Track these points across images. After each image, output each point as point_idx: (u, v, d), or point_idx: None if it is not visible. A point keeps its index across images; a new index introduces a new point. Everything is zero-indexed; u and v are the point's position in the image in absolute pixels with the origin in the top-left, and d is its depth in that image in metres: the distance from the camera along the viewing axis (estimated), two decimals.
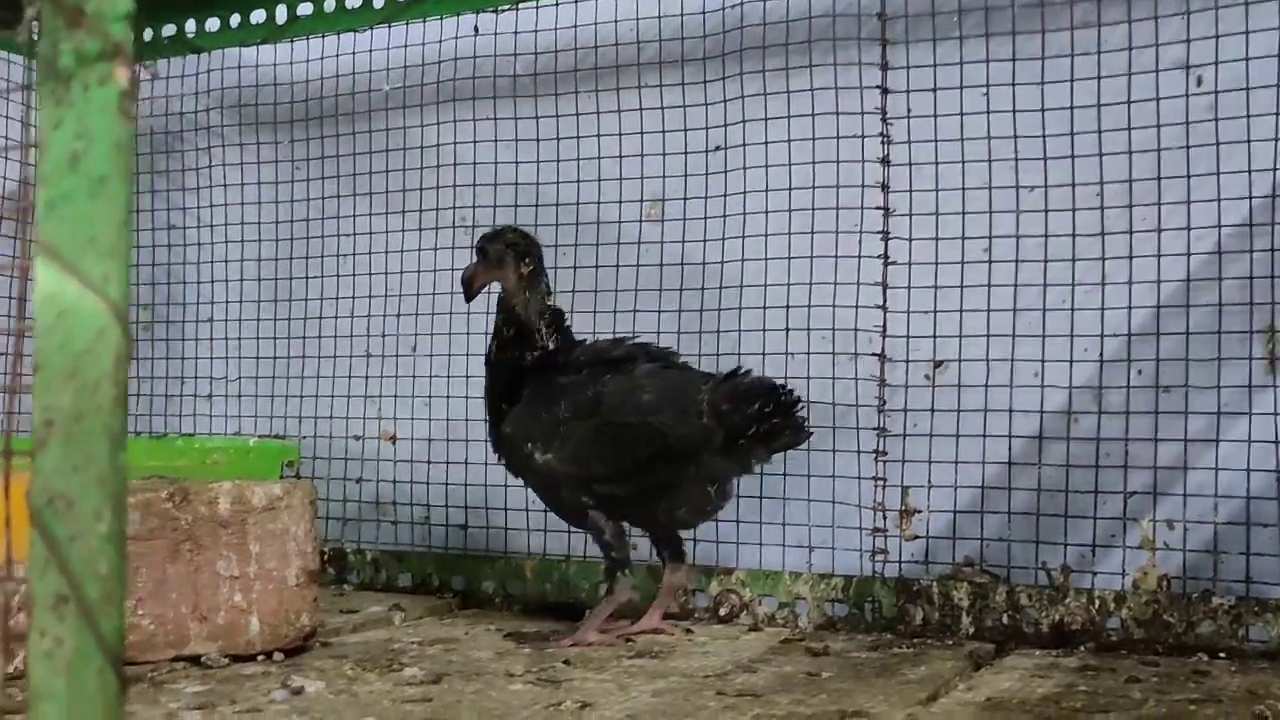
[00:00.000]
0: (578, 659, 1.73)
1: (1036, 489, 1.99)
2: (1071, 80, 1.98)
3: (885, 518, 2.06)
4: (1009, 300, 2.02)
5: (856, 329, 2.09)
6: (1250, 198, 1.87)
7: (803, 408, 1.89)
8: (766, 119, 2.18)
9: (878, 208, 2.08)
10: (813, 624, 2.04)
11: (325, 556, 2.41)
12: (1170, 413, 1.92)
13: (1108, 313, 1.96)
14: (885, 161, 2.08)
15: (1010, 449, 2.01)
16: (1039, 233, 2.00)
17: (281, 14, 2.52)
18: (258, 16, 2.54)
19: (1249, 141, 1.86)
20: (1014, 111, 2.01)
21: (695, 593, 2.13)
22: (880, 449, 2.06)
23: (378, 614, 2.11)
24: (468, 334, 2.32)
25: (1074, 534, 1.97)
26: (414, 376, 2.49)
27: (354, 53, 2.54)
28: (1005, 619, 1.94)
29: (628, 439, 1.83)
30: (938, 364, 2.07)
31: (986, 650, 1.84)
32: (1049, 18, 2.00)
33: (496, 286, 1.99)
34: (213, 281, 2.74)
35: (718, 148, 2.24)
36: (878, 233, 2.08)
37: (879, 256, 2.07)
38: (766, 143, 2.17)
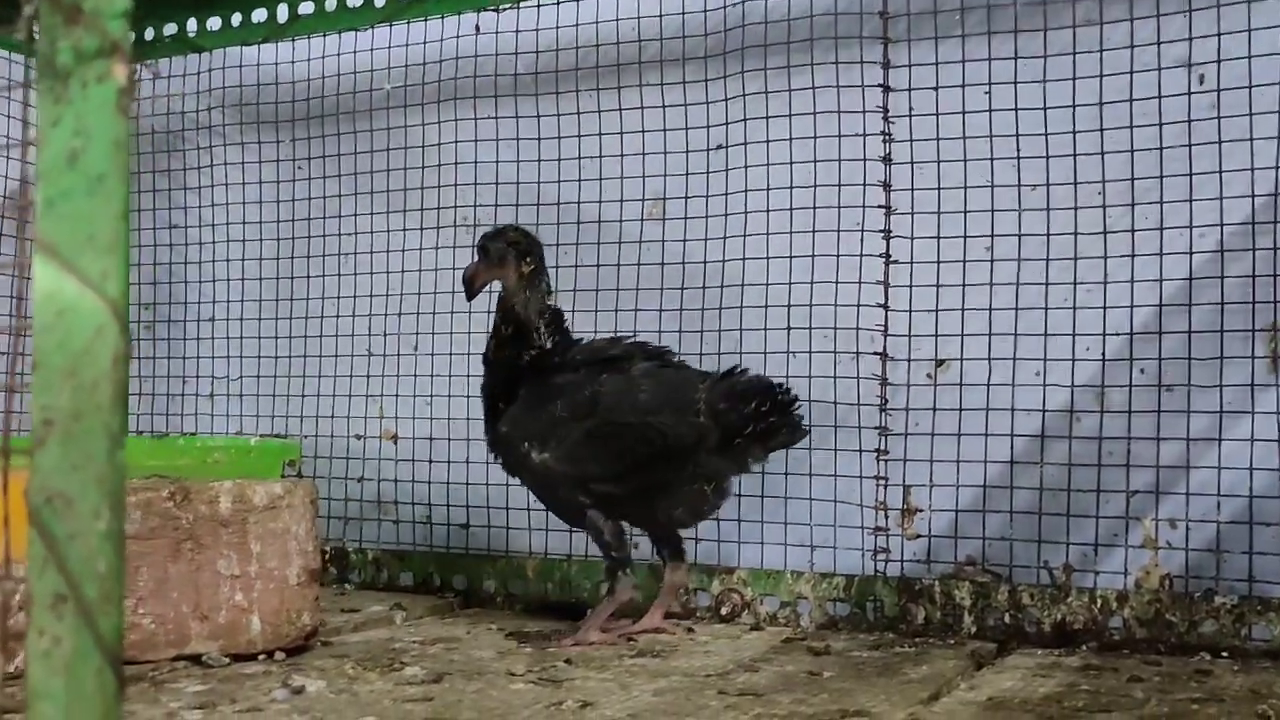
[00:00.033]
0: (579, 658, 1.73)
1: (1039, 488, 1.99)
2: (1074, 78, 1.97)
3: (887, 517, 2.06)
4: (1011, 299, 2.02)
5: (858, 328, 2.09)
6: (1253, 196, 1.87)
7: (800, 406, 1.89)
8: (768, 117, 2.18)
9: (879, 206, 2.07)
10: (814, 623, 2.04)
11: (326, 556, 2.41)
12: (1172, 411, 1.92)
13: (1110, 311, 1.96)
14: (887, 160, 2.07)
15: (1012, 448, 2.01)
16: (1041, 231, 2.00)
17: (283, 13, 2.52)
18: (259, 15, 2.54)
19: (1251, 140, 1.86)
20: (1016, 110, 2.00)
21: (697, 592, 2.12)
22: (882, 448, 2.06)
23: (379, 613, 2.10)
24: (469, 333, 2.32)
25: (1076, 533, 1.97)
26: (415, 376, 2.49)
27: (355, 52, 2.54)
28: (1007, 618, 1.93)
29: (624, 439, 1.83)
30: (940, 363, 2.07)
31: (988, 649, 1.84)
32: (1051, 16, 1.99)
33: (497, 285, 1.99)
34: (214, 281, 2.74)
35: (719, 146, 2.24)
36: (879, 231, 2.07)
37: (881, 255, 2.07)
38: (768, 141, 2.17)
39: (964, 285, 2.04)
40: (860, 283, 2.08)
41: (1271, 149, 1.85)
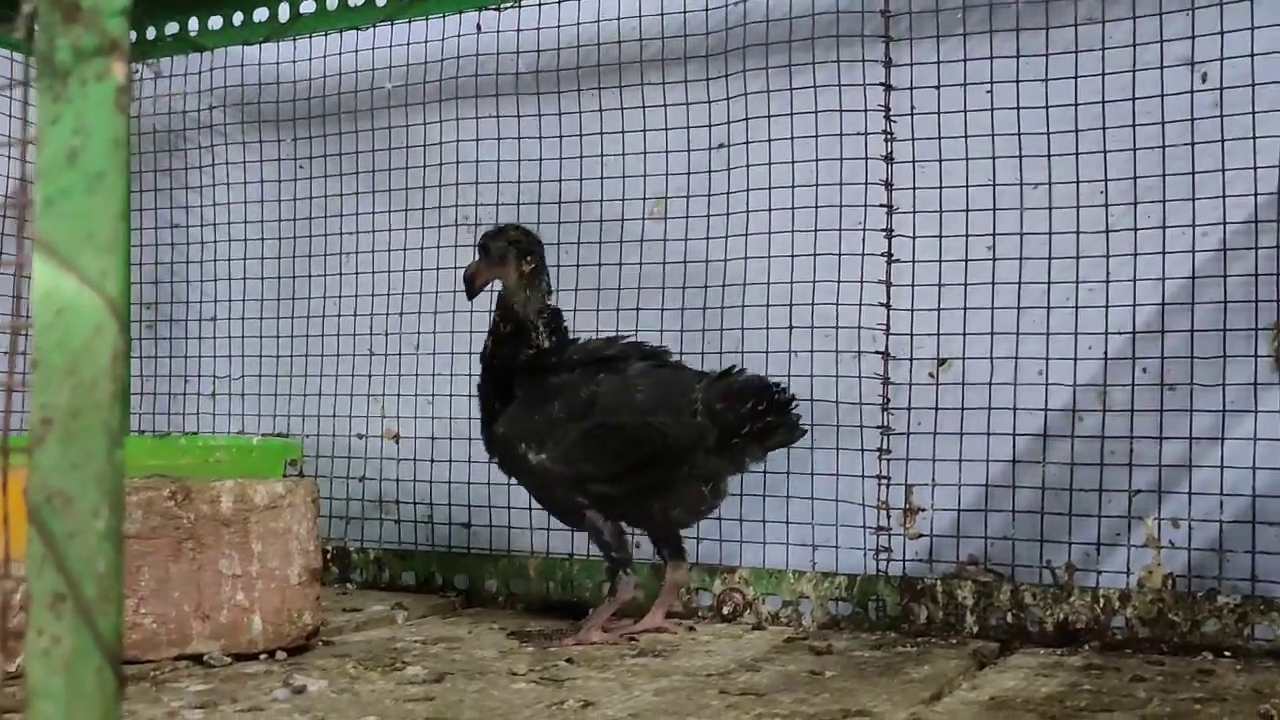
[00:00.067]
0: (581, 658, 1.73)
1: (1041, 487, 1.99)
2: (1076, 77, 1.97)
3: (889, 516, 2.06)
4: (1013, 298, 2.01)
5: (860, 327, 2.08)
6: (1255, 194, 1.87)
7: (797, 405, 1.89)
8: (769, 116, 2.17)
9: (881, 205, 2.07)
10: (816, 623, 2.04)
11: (328, 555, 2.41)
12: (1175, 410, 1.91)
13: (1112, 310, 1.96)
14: (889, 159, 2.07)
15: (1014, 447, 2.01)
16: (1043, 230, 2.00)
17: (284, 12, 2.51)
18: (260, 15, 2.54)
19: (1254, 138, 1.86)
20: (1018, 108, 2.00)
21: (698, 591, 2.12)
22: (884, 447, 2.05)
23: (380, 613, 2.10)
24: (471, 332, 2.31)
25: (1078, 532, 1.97)
26: (417, 375, 2.49)
27: (356, 51, 2.54)
28: (1009, 618, 1.93)
29: (621, 439, 1.83)
30: (941, 362, 2.07)
31: (991, 649, 1.83)
32: (1053, 14, 1.99)
33: (497, 285, 1.99)
34: (216, 280, 2.74)
35: (721, 145, 2.23)
36: (881, 230, 2.07)
37: (882, 254, 2.06)
38: (769, 140, 2.17)
39: (966, 284, 2.04)
40: (862, 282, 2.08)
41: (1274, 147, 1.85)
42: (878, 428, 2.06)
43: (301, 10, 2.50)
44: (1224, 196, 1.88)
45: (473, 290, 1.98)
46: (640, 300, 2.26)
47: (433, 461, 2.44)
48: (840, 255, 2.10)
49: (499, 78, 2.41)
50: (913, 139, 2.06)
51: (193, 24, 2.63)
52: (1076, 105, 1.97)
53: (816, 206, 2.13)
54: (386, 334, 2.53)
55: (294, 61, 2.61)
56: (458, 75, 2.45)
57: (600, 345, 1.96)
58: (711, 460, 1.85)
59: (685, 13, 2.26)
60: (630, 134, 2.29)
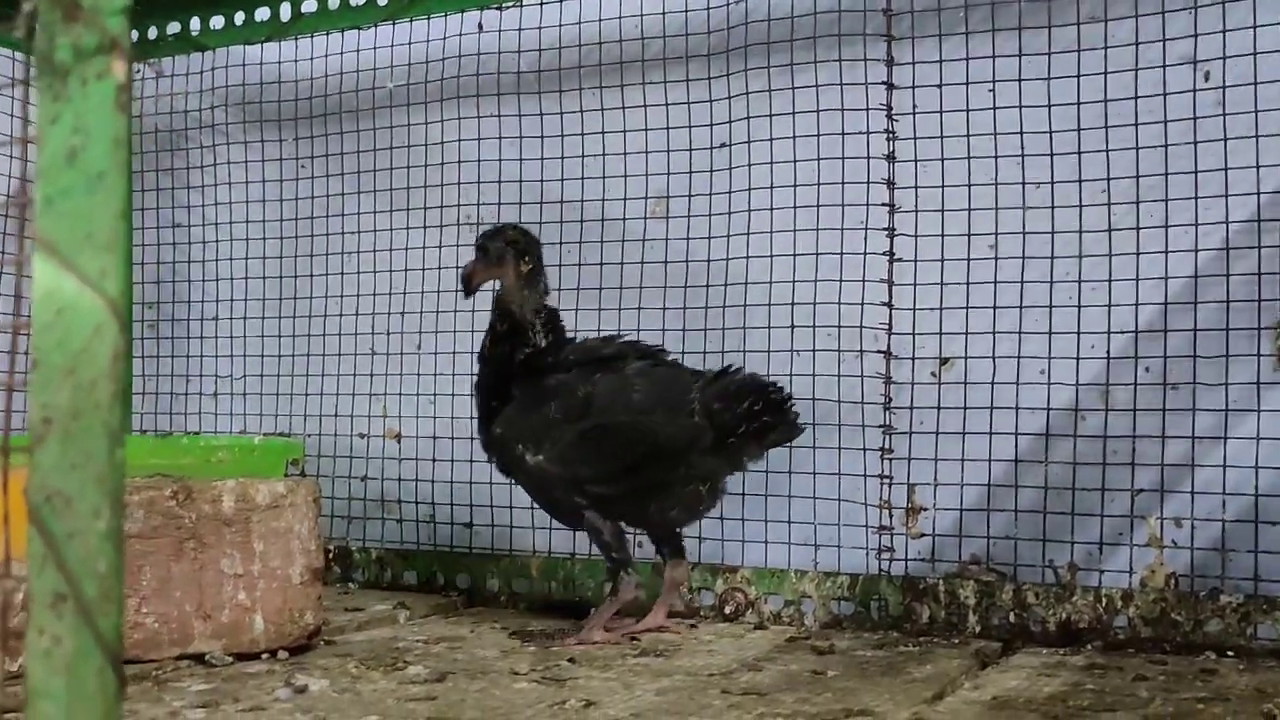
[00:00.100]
0: (582, 657, 1.72)
1: (1043, 487, 1.99)
2: (1078, 76, 1.97)
3: (891, 516, 2.06)
4: (1015, 297, 2.01)
5: (862, 326, 2.08)
6: (1258, 193, 1.86)
7: (794, 404, 1.88)
8: (771, 115, 2.17)
9: (883, 204, 2.07)
10: (818, 622, 2.03)
11: (330, 555, 2.41)
12: (1178, 410, 1.91)
13: (1114, 309, 1.96)
14: (890, 158, 2.07)
15: (1017, 446, 2.01)
16: (1045, 229, 2.00)
17: (286, 11, 2.51)
18: (262, 14, 2.54)
19: (1257, 137, 1.85)
20: (1020, 107, 2.00)
21: (700, 591, 2.12)
22: (886, 447, 2.05)
23: (382, 612, 2.10)
24: (472, 331, 2.31)
25: (1081, 532, 1.97)
26: (419, 374, 2.49)
27: (358, 50, 2.54)
28: (1012, 617, 1.93)
29: (618, 440, 1.83)
30: (944, 361, 2.07)
31: (993, 649, 1.83)
32: (1055, 13, 1.99)
33: (494, 283, 1.98)
34: (217, 280, 2.74)
35: (722, 144, 2.23)
36: (883, 229, 2.07)
37: (884, 253, 2.06)
38: (771, 139, 2.17)
39: (968, 283, 2.03)
40: (864, 281, 2.08)
41: (1277, 146, 1.85)
42: (880, 427, 2.06)
43: (303, 10, 2.50)
44: (1227, 195, 1.88)
45: (469, 289, 1.98)
46: (642, 300, 2.26)
47: (434, 461, 2.44)
48: (842, 254, 2.10)
49: (500, 77, 2.41)
50: (915, 138, 2.06)
51: (194, 23, 2.63)
52: (1079, 104, 1.97)
53: (818, 205, 2.13)
54: (388, 333, 2.53)
55: (295, 61, 2.60)
56: (459, 74, 2.45)
57: (597, 345, 1.95)
58: (708, 460, 1.85)
59: (687, 11, 2.25)
60: (632, 133, 2.29)
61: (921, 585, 1.99)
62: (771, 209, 2.16)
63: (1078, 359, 1.97)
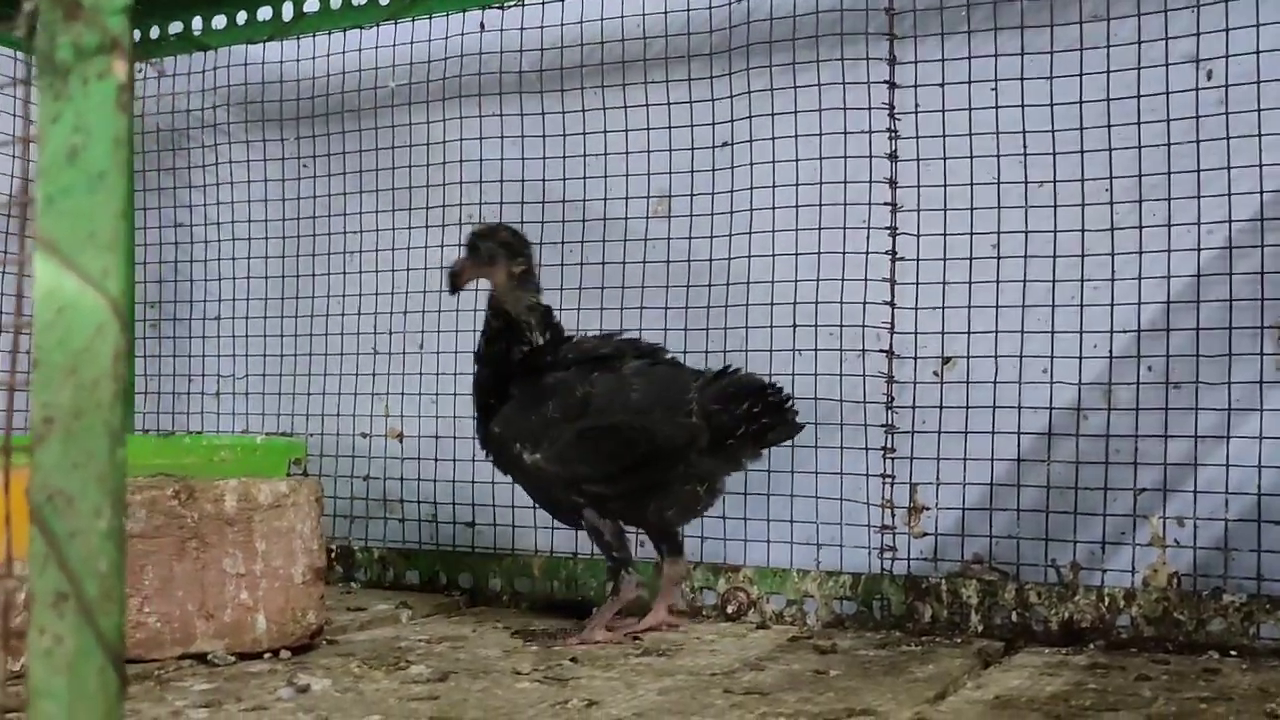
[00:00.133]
0: (585, 657, 1.72)
1: (1046, 486, 1.98)
2: (1080, 75, 1.96)
3: (893, 515, 2.05)
4: (1017, 296, 2.01)
5: (864, 325, 2.08)
6: (1261, 192, 1.86)
7: (792, 404, 1.88)
8: (773, 115, 2.17)
9: (885, 203, 2.07)
10: (820, 622, 2.03)
11: (332, 554, 2.41)
12: (1180, 409, 1.91)
13: (1117, 309, 1.95)
14: (893, 157, 2.07)
15: (1019, 446, 2.00)
16: (1047, 228, 1.99)
17: (288, 11, 2.51)
18: (264, 14, 2.54)
19: (1259, 135, 1.85)
20: (1022, 106, 1.99)
21: (703, 590, 2.12)
22: (888, 446, 2.05)
23: (385, 612, 2.10)
24: (474, 331, 2.29)
25: (1083, 531, 1.96)
26: (421, 374, 2.49)
27: (360, 49, 2.54)
28: (1014, 616, 1.93)
29: (616, 439, 1.82)
30: (946, 360, 2.07)
31: (995, 648, 1.83)
32: (1057, 12, 1.98)
33: (483, 282, 1.99)
34: (219, 279, 2.74)
35: (725, 144, 2.23)
36: (885, 228, 2.07)
37: (886, 252, 2.06)
38: (773, 139, 2.17)
39: (970, 282, 2.03)
40: (866, 280, 2.08)
41: None
42: (882, 426, 2.06)
43: (305, 9, 2.50)
44: (1229, 194, 1.87)
45: (456, 287, 1.98)
46: (644, 299, 2.26)
47: (437, 460, 2.44)
48: (844, 253, 2.10)
49: (502, 76, 2.41)
50: (917, 137, 2.06)
51: (196, 23, 2.63)
52: (1081, 103, 1.97)
53: (820, 205, 2.12)
54: (390, 333, 2.53)
55: (297, 60, 2.61)
56: (461, 74, 2.45)
57: (596, 343, 1.95)
58: (706, 461, 1.85)
59: (689, 10, 2.25)
60: (634, 132, 2.29)
61: (924, 584, 1.99)
62: (774, 208, 2.16)
63: (1080, 358, 1.97)
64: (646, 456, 1.82)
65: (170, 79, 2.75)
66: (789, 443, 2.05)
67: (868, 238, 2.08)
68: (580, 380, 1.86)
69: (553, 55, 2.37)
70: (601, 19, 2.30)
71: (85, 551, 0.66)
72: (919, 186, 2.06)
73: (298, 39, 2.57)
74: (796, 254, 2.14)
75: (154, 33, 2.66)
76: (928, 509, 2.07)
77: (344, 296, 2.59)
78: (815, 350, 2.12)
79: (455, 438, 2.40)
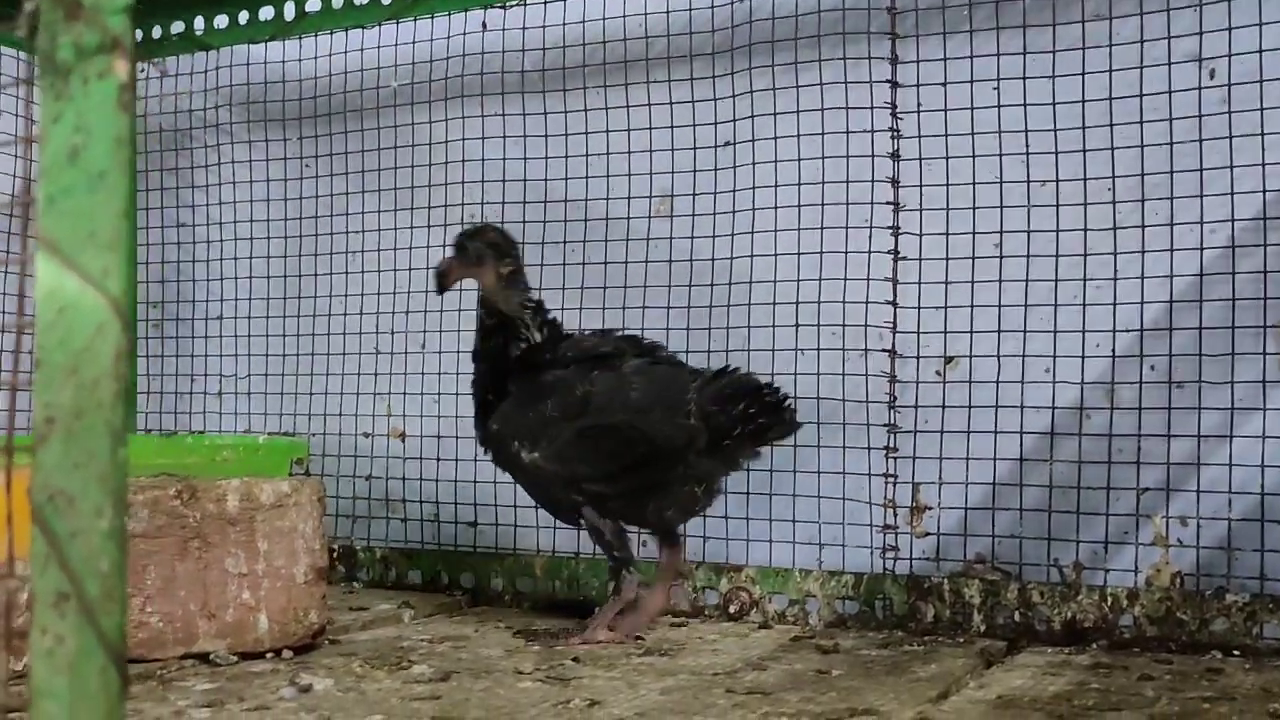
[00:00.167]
0: (587, 656, 1.72)
1: (1048, 485, 1.98)
2: (1083, 73, 1.96)
3: (896, 514, 2.05)
4: (1020, 296, 2.01)
5: (867, 325, 2.08)
6: (1264, 191, 1.86)
7: (789, 404, 1.87)
8: (776, 114, 2.17)
9: (888, 203, 2.07)
10: (823, 621, 2.03)
11: (334, 554, 2.41)
12: (1183, 408, 1.91)
13: (1120, 308, 1.95)
14: (895, 156, 2.06)
15: (1022, 445, 2.00)
16: (1050, 227, 1.99)
17: (290, 11, 2.51)
18: (266, 13, 2.54)
19: (1262, 134, 1.85)
20: (1025, 105, 1.99)
21: (705, 590, 2.12)
22: (891, 445, 2.05)
23: (387, 611, 2.10)
24: (475, 331, 2.31)
25: (1086, 531, 1.96)
26: (423, 374, 2.49)
27: (362, 49, 2.54)
28: (1017, 616, 1.93)
29: (616, 439, 1.82)
30: (948, 360, 2.06)
31: (998, 648, 1.83)
32: (1060, 11, 1.98)
33: (471, 282, 1.99)
34: (222, 279, 2.74)
35: (727, 143, 2.23)
36: (888, 228, 2.06)
37: (889, 252, 2.06)
38: (776, 138, 2.16)
39: (973, 282, 2.03)
40: (869, 279, 2.08)
41: None
42: (884, 426, 2.06)
43: (307, 9, 2.50)
44: (1232, 193, 1.87)
45: (443, 287, 1.98)
46: (647, 298, 2.26)
47: (439, 460, 2.44)
48: (847, 253, 2.10)
49: (504, 76, 2.41)
50: (919, 136, 2.06)
51: (198, 23, 2.63)
52: (1083, 102, 1.96)
53: (823, 204, 2.12)
54: (392, 333, 2.53)
55: (299, 60, 2.61)
56: (463, 74, 2.45)
57: (595, 341, 1.94)
58: (704, 461, 1.84)
59: (691, 10, 2.25)
60: (636, 132, 2.29)
61: (926, 584, 1.99)
62: (776, 207, 2.16)
63: (1083, 357, 1.97)
64: (646, 456, 1.82)
65: (172, 79, 2.75)
66: (791, 442, 2.05)
67: (870, 237, 2.08)
68: (580, 379, 1.86)
69: (554, 55, 2.37)
70: (603, 18, 2.30)
71: (87, 551, 0.66)
72: (921, 186, 2.06)
73: (299, 39, 2.57)
74: (799, 253, 2.14)
75: (156, 32, 2.67)
76: (930, 508, 2.07)
77: (346, 296, 2.59)
78: (818, 350, 2.12)
79: (457, 437, 2.40)
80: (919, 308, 2.06)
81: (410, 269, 2.50)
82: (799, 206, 2.14)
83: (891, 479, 2.05)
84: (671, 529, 1.93)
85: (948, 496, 2.05)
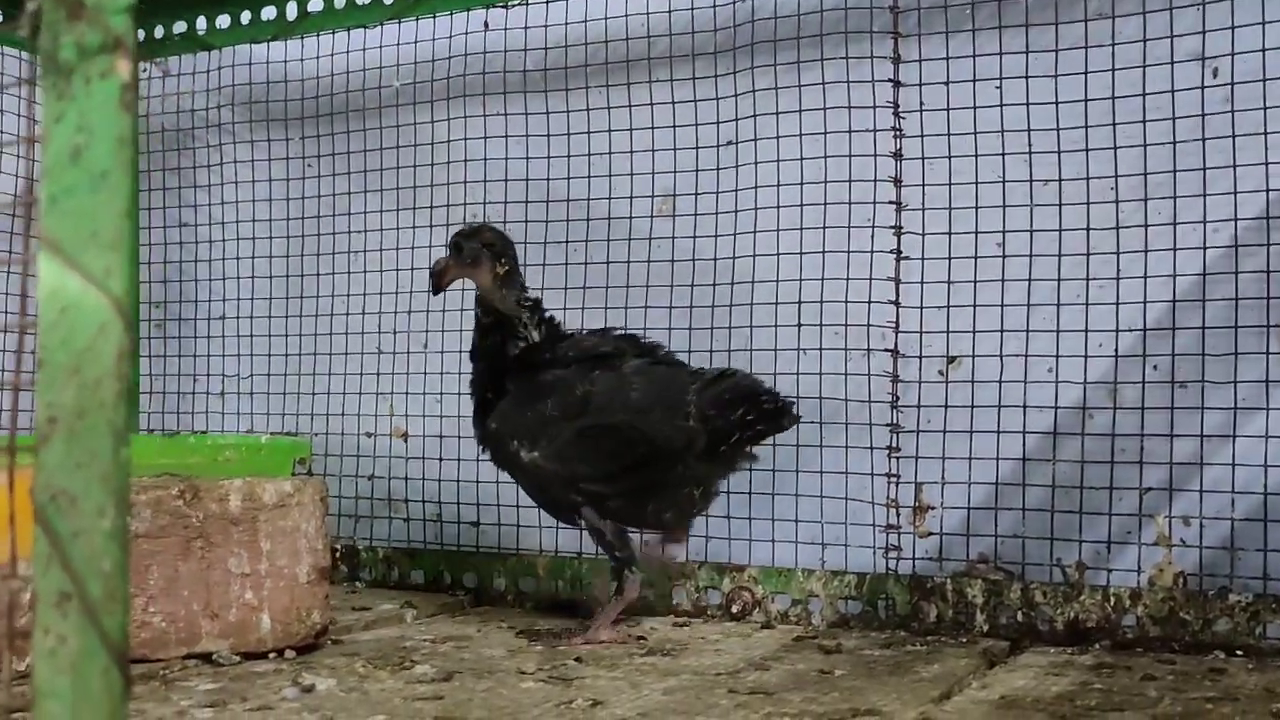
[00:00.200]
0: (589, 657, 1.72)
1: (1051, 485, 1.98)
2: (1086, 72, 1.96)
3: (899, 514, 2.05)
4: (1023, 295, 2.01)
5: (869, 324, 2.08)
6: (1267, 190, 1.86)
7: (787, 407, 1.86)
8: (778, 113, 2.17)
9: (890, 202, 2.07)
10: (826, 621, 2.03)
11: (337, 554, 2.41)
12: (1186, 408, 1.90)
13: (1122, 307, 1.95)
14: (898, 155, 2.06)
15: (1024, 445, 2.00)
16: (1053, 227, 1.99)
17: (292, 10, 2.52)
18: (268, 13, 2.54)
19: (1265, 134, 1.85)
20: (1028, 104, 1.99)
21: (707, 590, 2.12)
22: (893, 445, 2.05)
23: (389, 611, 2.10)
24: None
25: (1089, 530, 1.96)
26: (425, 373, 2.49)
27: (364, 49, 2.54)
28: (1020, 616, 1.92)
29: (616, 440, 1.82)
30: (951, 359, 2.06)
31: (1001, 648, 1.83)
32: (1063, 9, 1.98)
33: (467, 282, 1.99)
34: (224, 279, 2.74)
35: (729, 142, 2.23)
36: (890, 227, 2.06)
37: (892, 251, 2.06)
38: (778, 137, 2.16)
39: (976, 281, 2.03)
40: (871, 279, 2.07)
41: None
42: (887, 425, 2.06)
43: (309, 9, 2.50)
44: (1235, 193, 1.87)
45: (439, 287, 1.99)
46: (649, 298, 2.26)
47: (441, 460, 2.44)
48: (849, 252, 2.10)
49: (507, 75, 2.41)
50: (922, 135, 2.06)
51: (200, 23, 2.63)
52: (1086, 101, 1.96)
53: (825, 204, 2.12)
54: (395, 332, 2.53)
55: (302, 60, 2.61)
56: (465, 73, 2.45)
57: (595, 340, 1.94)
58: (702, 464, 1.84)
59: (693, 9, 2.25)
60: (638, 131, 2.29)
61: (929, 584, 1.98)
62: (778, 207, 2.16)
63: (1085, 357, 1.97)
64: (646, 457, 1.82)
65: (175, 78, 2.75)
66: (794, 442, 2.05)
67: (872, 236, 2.08)
68: (580, 378, 1.86)
69: (557, 54, 2.37)
70: (605, 18, 2.30)
71: (89, 551, 0.66)
72: (924, 185, 2.06)
73: (302, 39, 2.57)
74: (801, 253, 2.13)
75: (158, 32, 2.67)
76: (933, 508, 2.06)
77: (349, 296, 2.59)
78: (820, 349, 2.12)
79: (460, 437, 2.40)
80: (921, 307, 2.06)
81: (413, 269, 2.50)
82: (801, 206, 2.14)
83: (894, 479, 2.05)
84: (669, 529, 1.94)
85: (950, 496, 2.05)
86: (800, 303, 2.13)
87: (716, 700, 1.45)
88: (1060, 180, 1.98)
